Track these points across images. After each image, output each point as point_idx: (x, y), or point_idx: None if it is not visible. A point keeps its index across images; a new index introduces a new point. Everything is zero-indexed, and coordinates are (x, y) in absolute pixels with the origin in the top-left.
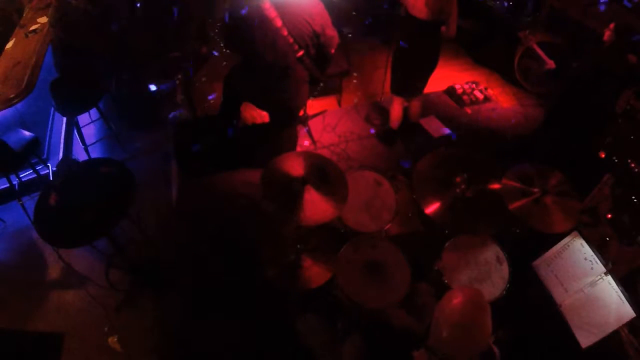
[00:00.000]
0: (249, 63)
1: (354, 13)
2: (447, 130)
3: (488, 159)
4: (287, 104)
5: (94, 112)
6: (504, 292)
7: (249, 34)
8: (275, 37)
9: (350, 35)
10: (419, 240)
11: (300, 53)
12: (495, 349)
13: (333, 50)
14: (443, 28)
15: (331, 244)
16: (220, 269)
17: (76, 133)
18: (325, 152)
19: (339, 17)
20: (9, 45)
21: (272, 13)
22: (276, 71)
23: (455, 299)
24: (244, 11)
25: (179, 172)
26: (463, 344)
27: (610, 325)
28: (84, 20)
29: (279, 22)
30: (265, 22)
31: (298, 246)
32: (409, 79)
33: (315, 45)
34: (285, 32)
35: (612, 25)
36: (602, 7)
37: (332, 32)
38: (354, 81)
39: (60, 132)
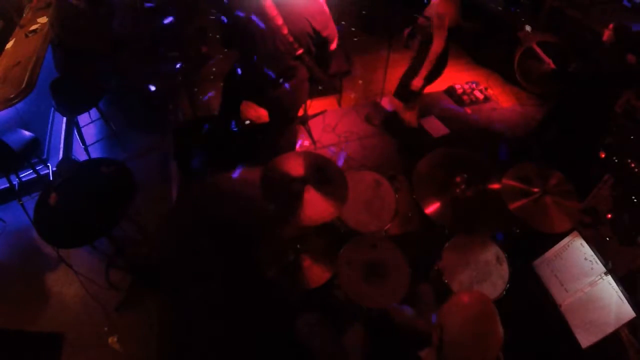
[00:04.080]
0: (248, 61)
1: (363, 12)
2: (447, 130)
3: (488, 159)
4: (287, 102)
5: (94, 112)
6: (504, 292)
7: (248, 32)
8: (275, 35)
9: (356, 39)
10: (419, 240)
11: (300, 51)
12: (500, 354)
13: (333, 46)
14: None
15: (331, 244)
16: (220, 268)
17: (76, 133)
18: (325, 152)
19: (341, 16)
20: (9, 45)
21: (272, 11)
22: (276, 69)
23: (466, 309)
24: (244, 9)
25: (179, 172)
26: (477, 349)
27: (610, 325)
28: (84, 20)
29: (279, 21)
30: (265, 21)
31: (298, 246)
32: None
33: (316, 43)
34: (286, 31)
35: (611, 26)
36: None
37: (332, 29)
38: (355, 81)
39: (60, 132)
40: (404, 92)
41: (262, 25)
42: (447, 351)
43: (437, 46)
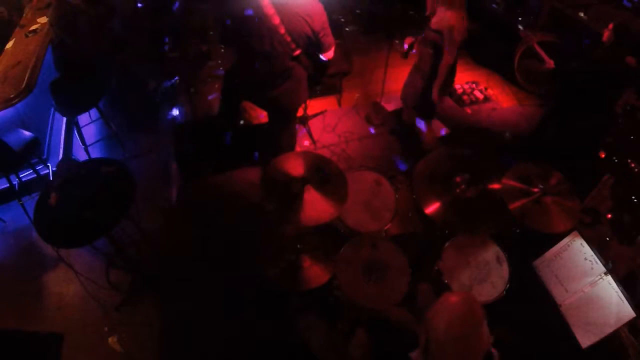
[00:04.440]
0: (246, 61)
1: (357, 11)
2: (447, 130)
3: (488, 159)
4: (286, 102)
5: (94, 112)
6: (504, 292)
7: (246, 31)
8: (272, 35)
9: (348, 29)
10: (419, 240)
11: (298, 52)
12: (494, 351)
13: (332, 52)
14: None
15: (331, 244)
16: (221, 268)
17: (76, 133)
18: (325, 152)
19: (340, 16)
20: (9, 45)
21: (270, 10)
22: (273, 69)
23: (451, 305)
24: (241, 8)
25: (179, 172)
26: (462, 352)
27: (610, 325)
28: (84, 20)
29: (276, 20)
30: (262, 20)
31: (298, 246)
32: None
33: (314, 45)
34: (283, 30)
35: (610, 26)
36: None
37: (329, 33)
38: (355, 81)
39: (60, 132)
40: (427, 108)
41: (259, 24)
42: (432, 350)
43: (448, 59)
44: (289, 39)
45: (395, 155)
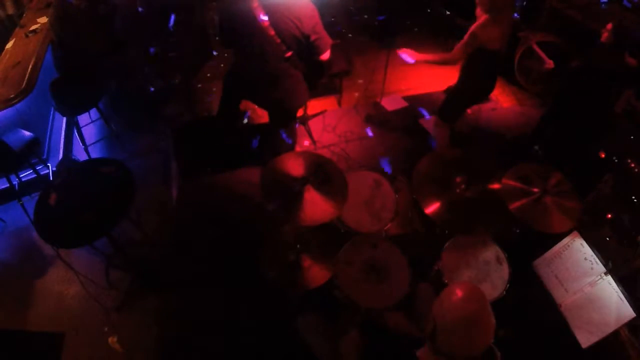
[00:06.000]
0: (242, 62)
1: (365, 16)
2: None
3: (488, 159)
4: (284, 103)
5: (94, 112)
6: (504, 292)
7: (238, 33)
8: (262, 36)
9: (350, 35)
10: (419, 240)
11: (289, 54)
12: (497, 352)
13: (327, 54)
14: None
15: (331, 244)
16: (220, 268)
17: (76, 133)
18: (325, 152)
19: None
20: (9, 45)
21: (259, 12)
22: (266, 70)
23: (457, 296)
24: (233, 9)
25: (179, 172)
26: (470, 340)
27: (610, 325)
28: (84, 20)
29: (265, 22)
30: (252, 21)
31: (298, 246)
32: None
33: (306, 47)
34: (272, 32)
35: (609, 26)
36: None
37: (323, 35)
38: (355, 81)
39: (60, 132)
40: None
41: (249, 25)
42: (439, 337)
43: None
44: (278, 40)
45: (395, 155)
